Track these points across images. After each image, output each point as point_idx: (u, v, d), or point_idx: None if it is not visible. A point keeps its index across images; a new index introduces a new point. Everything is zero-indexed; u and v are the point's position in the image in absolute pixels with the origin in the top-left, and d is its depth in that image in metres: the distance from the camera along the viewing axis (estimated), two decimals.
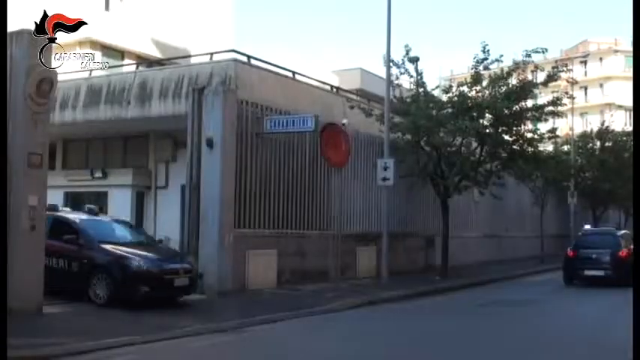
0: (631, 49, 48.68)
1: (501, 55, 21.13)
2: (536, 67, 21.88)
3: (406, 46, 20.97)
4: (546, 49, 20.54)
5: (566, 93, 23.47)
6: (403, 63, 21.02)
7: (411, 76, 21.60)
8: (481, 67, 21.09)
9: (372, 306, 14.71)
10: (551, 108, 21.61)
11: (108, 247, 13.12)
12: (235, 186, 16.15)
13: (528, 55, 20.70)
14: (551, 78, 21.36)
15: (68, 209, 15.85)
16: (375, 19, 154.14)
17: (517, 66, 20.94)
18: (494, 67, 21.21)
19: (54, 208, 14.09)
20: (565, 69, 23.03)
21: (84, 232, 13.40)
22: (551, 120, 22.74)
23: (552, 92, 22.96)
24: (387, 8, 18.70)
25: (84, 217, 14.29)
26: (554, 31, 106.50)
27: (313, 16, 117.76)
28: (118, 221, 15.57)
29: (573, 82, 25.98)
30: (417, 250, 24.08)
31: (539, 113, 21.44)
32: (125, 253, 12.90)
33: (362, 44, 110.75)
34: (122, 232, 14.66)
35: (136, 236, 14.91)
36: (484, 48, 20.85)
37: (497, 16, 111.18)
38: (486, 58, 20.93)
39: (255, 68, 17.66)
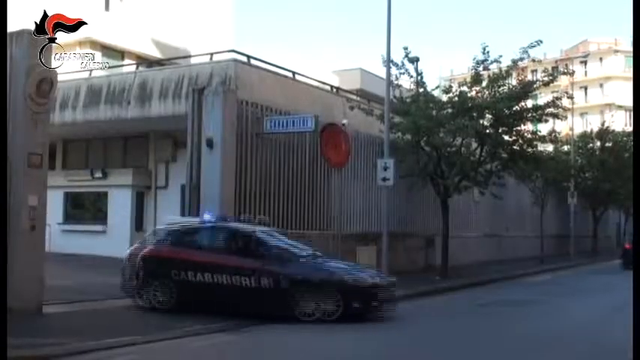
0: (631, 49, 48.71)
1: (500, 56, 21.16)
2: (533, 60, 21.86)
3: (405, 48, 20.97)
4: (541, 41, 20.50)
5: (566, 92, 23.49)
6: (403, 64, 21.03)
7: (411, 76, 21.61)
8: (481, 68, 21.11)
9: None
10: (551, 110, 21.63)
11: (310, 261, 12.42)
12: (235, 186, 16.15)
13: (525, 52, 20.67)
14: (552, 78, 21.34)
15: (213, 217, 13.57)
16: (375, 19, 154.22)
17: (516, 66, 20.94)
18: (494, 68, 21.21)
19: (224, 218, 13.36)
20: (565, 69, 23.04)
21: (279, 247, 12.50)
22: (551, 121, 22.73)
23: (552, 92, 22.96)
24: (387, 8, 18.67)
25: (263, 229, 13.21)
26: (554, 31, 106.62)
27: (313, 16, 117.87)
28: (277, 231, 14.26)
29: (572, 73, 25.88)
30: (417, 250, 24.07)
31: (538, 114, 21.44)
32: (342, 269, 12.23)
33: (362, 44, 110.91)
34: (296, 243, 13.48)
35: (309, 248, 13.48)
36: (484, 49, 20.87)
37: (497, 16, 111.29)
38: (486, 60, 20.94)
39: (255, 68, 17.67)
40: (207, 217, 13.15)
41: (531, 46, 20.52)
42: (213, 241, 12.64)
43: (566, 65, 24.47)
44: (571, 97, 25.59)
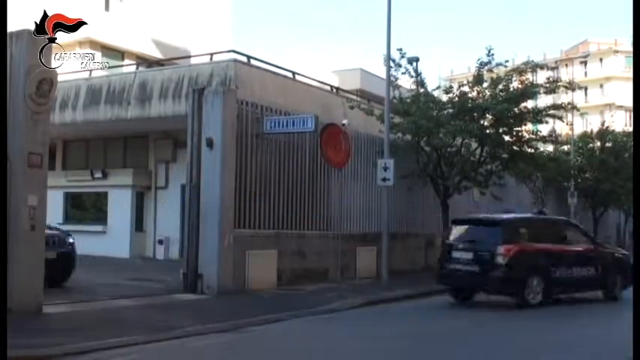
0: (631, 49, 48.74)
1: (507, 61, 21.39)
2: (534, 64, 22.03)
3: (400, 49, 20.94)
4: (546, 66, 21.04)
5: (569, 103, 23.69)
6: (399, 65, 20.98)
7: (412, 76, 21.61)
8: (484, 70, 21.19)
9: (372, 306, 14.68)
10: (552, 111, 21.74)
11: None
12: (235, 186, 16.12)
13: (528, 63, 21.36)
14: (553, 84, 21.58)
15: None
16: (375, 19, 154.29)
17: (518, 68, 21.13)
18: (497, 70, 21.33)
19: None
20: (568, 85, 23.46)
21: None
22: (551, 121, 22.79)
23: (552, 92, 23.01)
24: (387, 8, 18.70)
25: None
26: (554, 31, 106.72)
27: (313, 16, 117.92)
28: None
29: (572, 88, 25.97)
30: (417, 250, 24.04)
31: (539, 117, 21.50)
32: None
33: (362, 44, 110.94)
34: None
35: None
36: (489, 52, 20.94)
37: (498, 16, 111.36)
38: (490, 62, 21.01)
39: (255, 68, 17.66)
40: None
41: (535, 64, 21.58)
42: None
43: (571, 86, 24.68)
44: (575, 107, 25.82)
